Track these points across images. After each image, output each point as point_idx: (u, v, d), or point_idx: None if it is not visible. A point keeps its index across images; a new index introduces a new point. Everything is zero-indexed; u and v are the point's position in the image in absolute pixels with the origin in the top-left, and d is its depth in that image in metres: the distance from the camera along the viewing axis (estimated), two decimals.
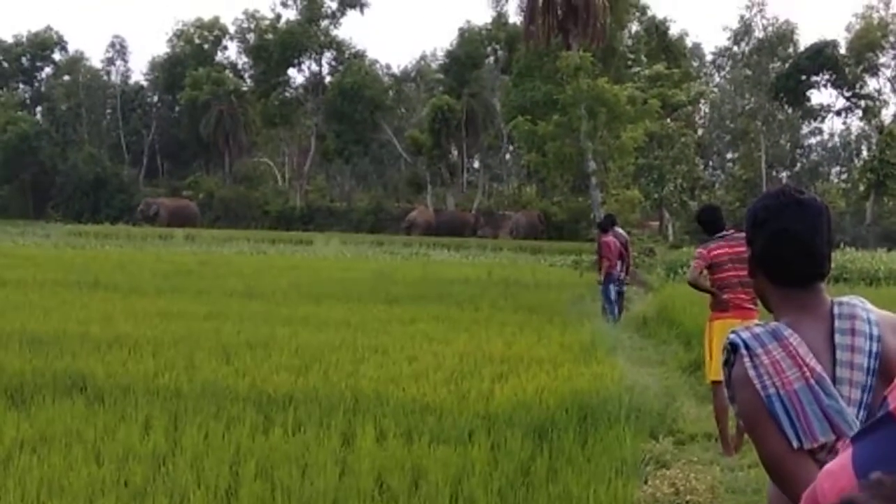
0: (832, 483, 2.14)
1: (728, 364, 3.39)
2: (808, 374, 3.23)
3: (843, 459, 2.16)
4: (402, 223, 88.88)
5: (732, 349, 3.36)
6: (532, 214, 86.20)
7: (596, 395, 11.64)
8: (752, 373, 3.27)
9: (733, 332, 3.40)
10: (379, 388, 11.91)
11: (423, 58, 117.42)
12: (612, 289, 23.90)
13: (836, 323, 3.32)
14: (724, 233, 11.56)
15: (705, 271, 11.62)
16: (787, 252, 3.37)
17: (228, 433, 9.48)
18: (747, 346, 3.31)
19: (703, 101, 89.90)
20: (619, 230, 25.77)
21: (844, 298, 3.41)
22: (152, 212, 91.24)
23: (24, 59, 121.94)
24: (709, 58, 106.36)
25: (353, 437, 9.55)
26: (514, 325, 18.90)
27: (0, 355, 13.49)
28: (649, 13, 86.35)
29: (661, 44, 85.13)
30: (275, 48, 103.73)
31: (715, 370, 10.85)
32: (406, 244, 67.71)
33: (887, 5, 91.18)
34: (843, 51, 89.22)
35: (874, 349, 3.28)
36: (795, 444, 3.18)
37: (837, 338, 3.30)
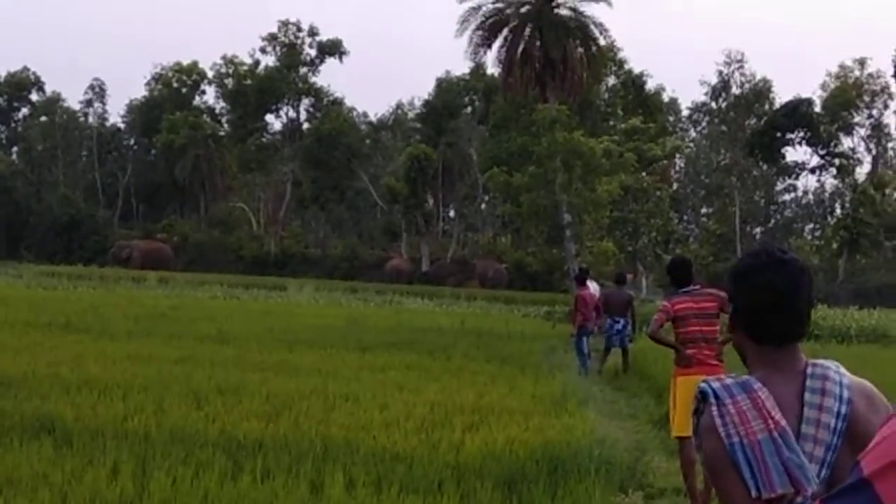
0: None
1: (697, 413, 3.45)
2: (772, 426, 3.28)
3: None
4: (385, 271, 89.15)
5: (702, 398, 3.41)
6: (494, 264, 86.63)
7: (566, 447, 11.61)
8: (717, 421, 3.33)
9: (704, 381, 3.45)
10: (349, 435, 11.86)
11: (399, 106, 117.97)
12: (585, 342, 23.98)
13: (808, 382, 3.36)
14: (692, 287, 11.43)
15: (668, 325, 11.50)
16: (767, 308, 3.39)
17: (197, 479, 9.42)
18: (717, 396, 3.36)
19: (678, 155, 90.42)
20: (594, 284, 26.00)
21: (820, 361, 3.45)
22: (125, 255, 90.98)
23: (0, 100, 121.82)
24: (685, 112, 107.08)
25: (322, 486, 9.50)
26: (486, 375, 18.87)
27: None
28: (626, 67, 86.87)
29: (638, 98, 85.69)
30: (253, 94, 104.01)
31: (679, 426, 11.07)
32: (379, 292, 67.64)
33: (862, 66, 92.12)
34: (818, 109, 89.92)
35: (843, 411, 3.31)
36: (754, 493, 3.23)
37: (807, 396, 3.34)
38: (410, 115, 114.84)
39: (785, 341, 3.43)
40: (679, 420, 11.08)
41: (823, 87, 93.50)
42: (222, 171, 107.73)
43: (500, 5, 66.02)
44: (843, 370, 3.43)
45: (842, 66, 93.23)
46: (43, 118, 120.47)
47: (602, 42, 68.95)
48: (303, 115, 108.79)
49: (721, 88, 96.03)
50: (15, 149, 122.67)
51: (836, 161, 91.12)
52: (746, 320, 3.46)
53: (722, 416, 3.33)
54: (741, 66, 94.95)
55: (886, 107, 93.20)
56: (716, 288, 11.75)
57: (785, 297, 3.39)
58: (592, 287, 24.80)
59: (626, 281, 26.45)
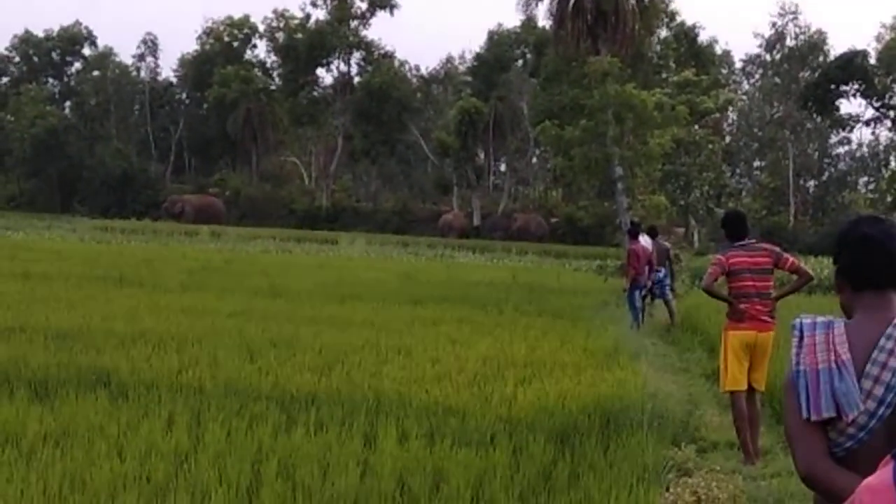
0: (872, 498, 2.13)
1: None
2: (833, 358, 3.64)
3: (884, 475, 2.15)
4: (438, 225, 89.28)
5: (793, 331, 3.79)
6: (536, 218, 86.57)
7: (619, 401, 11.58)
8: (793, 351, 3.73)
9: (798, 317, 3.82)
10: (402, 389, 11.88)
11: (449, 60, 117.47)
12: (637, 296, 23.85)
13: (889, 329, 3.62)
14: (746, 241, 11.34)
15: (722, 279, 11.47)
16: (867, 255, 3.79)
17: (251, 431, 9.48)
18: (801, 330, 3.75)
19: (731, 108, 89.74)
20: (661, 241, 26.04)
21: None
22: (177, 209, 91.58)
23: (53, 54, 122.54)
24: (738, 65, 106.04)
25: (375, 438, 9.53)
26: (538, 329, 18.86)
27: (24, 349, 13.52)
28: (679, 19, 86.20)
29: (691, 50, 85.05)
30: (304, 48, 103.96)
31: (731, 380, 11.30)
32: (431, 245, 67.71)
33: None
34: (872, 61, 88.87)
35: None
36: (805, 414, 3.62)
37: (882, 341, 3.61)
38: (461, 68, 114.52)
39: (882, 286, 3.77)
40: (730, 376, 11.26)
41: (878, 38, 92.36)
42: (273, 125, 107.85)
43: None
44: None
45: None
46: (95, 73, 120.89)
47: None
48: (353, 69, 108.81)
49: (775, 40, 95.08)
50: (68, 103, 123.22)
51: (891, 113, 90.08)
52: (849, 271, 3.85)
53: (798, 346, 3.73)
54: (795, 18, 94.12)
55: None
56: (770, 243, 11.82)
57: (883, 245, 3.75)
58: (644, 241, 24.64)
59: (657, 234, 26.35)
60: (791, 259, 11.29)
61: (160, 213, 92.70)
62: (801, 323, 3.77)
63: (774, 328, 11.27)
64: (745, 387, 11.26)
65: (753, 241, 11.48)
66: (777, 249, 11.36)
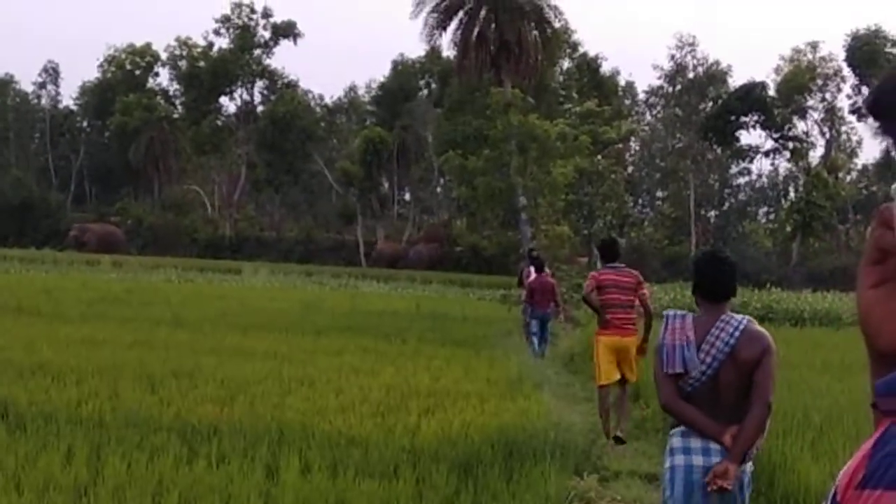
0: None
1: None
2: (683, 338, 6.27)
3: (868, 443, 2.20)
4: (369, 253, 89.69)
5: (664, 318, 6.48)
6: (431, 246, 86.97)
7: (522, 430, 11.64)
8: (661, 331, 6.46)
9: (669, 310, 6.55)
10: (305, 419, 11.83)
11: (353, 88, 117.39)
12: (535, 324, 23.96)
13: (717, 323, 6.29)
14: (616, 264, 14.01)
15: (595, 292, 13.86)
16: (701, 279, 6.54)
17: (152, 464, 9.38)
18: (667, 319, 6.44)
19: (633, 138, 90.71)
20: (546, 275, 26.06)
21: (732, 314, 6.36)
22: (86, 238, 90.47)
23: None
24: (641, 96, 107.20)
25: (278, 470, 9.48)
26: (442, 359, 18.87)
27: None
28: (581, 50, 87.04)
29: (593, 81, 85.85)
30: (207, 76, 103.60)
31: (604, 376, 13.90)
32: (335, 275, 67.57)
33: (814, 49, 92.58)
34: (772, 92, 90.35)
35: (730, 342, 6.18)
36: (665, 369, 6.31)
37: (712, 330, 6.28)
38: (366, 97, 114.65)
39: (712, 300, 6.44)
40: (603, 371, 13.86)
41: (777, 70, 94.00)
42: (176, 153, 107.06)
43: None
44: (746, 321, 6.30)
45: (795, 50, 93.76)
46: None
47: (557, 24, 69.15)
48: (257, 98, 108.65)
49: (674, 72, 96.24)
50: None
51: (790, 144, 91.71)
52: (694, 289, 6.59)
53: (664, 328, 6.41)
54: (693, 50, 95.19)
55: (839, 90, 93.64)
56: (636, 269, 14.75)
57: (708, 272, 6.51)
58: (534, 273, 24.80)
59: (543, 267, 26.25)
60: (644, 291, 14.07)
61: (66, 241, 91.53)
62: (668, 314, 6.47)
63: (635, 334, 13.86)
64: (614, 380, 13.87)
65: (622, 265, 14.15)
66: (639, 276, 14.11)
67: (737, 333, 6.14)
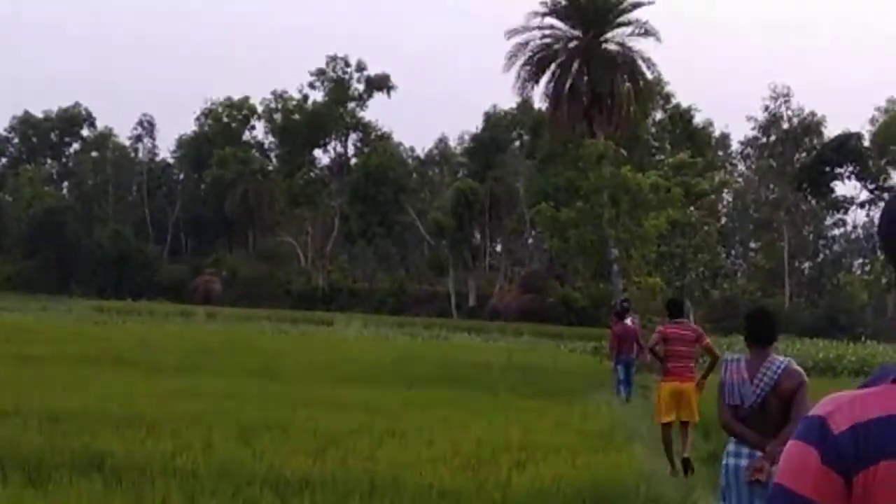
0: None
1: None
2: (738, 376, 7.72)
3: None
4: (461, 304, 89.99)
5: (724, 361, 8.17)
6: (524, 298, 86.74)
7: (614, 484, 11.57)
8: (722, 370, 8.00)
9: (728, 355, 8.52)
10: (396, 472, 11.84)
11: (443, 140, 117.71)
12: (621, 369, 24.58)
13: (763, 364, 7.68)
14: (681, 319, 15.71)
15: (661, 344, 15.51)
16: (749, 328, 7.97)
17: None
18: (727, 361, 8.01)
19: (726, 190, 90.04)
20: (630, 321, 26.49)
21: (777, 357, 7.83)
22: (210, 287, 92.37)
23: (52, 135, 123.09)
24: (735, 147, 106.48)
25: None
26: (533, 411, 18.85)
27: (19, 432, 13.47)
28: (674, 101, 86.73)
29: (686, 132, 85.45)
30: (301, 129, 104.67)
31: (662, 416, 15.48)
32: (426, 326, 67.65)
33: None
34: (866, 143, 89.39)
35: (774, 378, 7.60)
36: (726, 400, 7.80)
37: (761, 369, 7.66)
38: (458, 149, 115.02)
39: (759, 345, 7.87)
40: (661, 413, 15.48)
41: (872, 121, 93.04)
42: (270, 205, 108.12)
43: (548, 41, 66.15)
44: (787, 362, 7.83)
45: (890, 101, 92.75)
46: (94, 153, 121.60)
47: (649, 76, 68.93)
48: (350, 150, 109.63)
49: (769, 123, 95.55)
50: (66, 184, 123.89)
51: (885, 195, 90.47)
52: (746, 336, 8.00)
53: (724, 369, 7.90)
54: (787, 101, 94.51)
55: None
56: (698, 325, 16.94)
57: (754, 323, 7.98)
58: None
59: (627, 314, 26.83)
60: (707, 340, 15.57)
61: (191, 295, 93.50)
62: (727, 358, 8.13)
63: (693, 380, 15.23)
64: (670, 419, 15.37)
65: (685, 320, 16.21)
66: (699, 329, 16.00)
67: (779, 371, 7.68)
